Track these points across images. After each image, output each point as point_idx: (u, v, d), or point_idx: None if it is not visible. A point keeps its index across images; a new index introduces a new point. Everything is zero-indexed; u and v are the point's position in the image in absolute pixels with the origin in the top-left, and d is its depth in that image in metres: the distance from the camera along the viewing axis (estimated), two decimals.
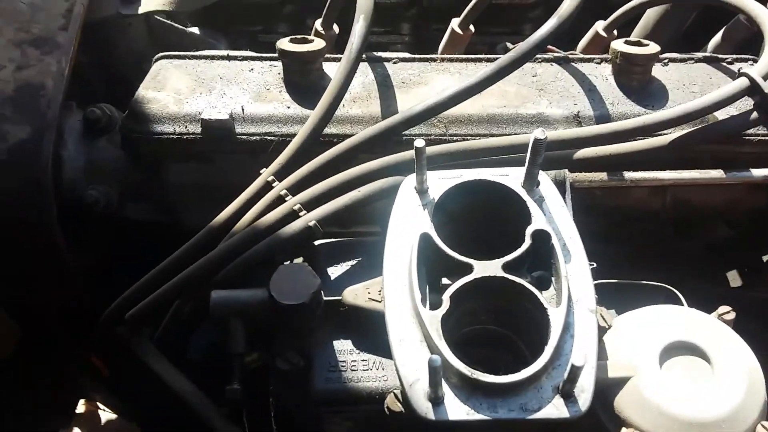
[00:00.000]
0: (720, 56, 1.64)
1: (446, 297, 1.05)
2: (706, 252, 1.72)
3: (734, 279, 1.81)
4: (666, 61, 1.61)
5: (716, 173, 1.45)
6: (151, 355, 1.30)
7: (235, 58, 1.59)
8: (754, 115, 1.38)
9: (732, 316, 1.15)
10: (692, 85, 1.55)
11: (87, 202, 1.50)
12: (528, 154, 1.12)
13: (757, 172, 1.45)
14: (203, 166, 1.48)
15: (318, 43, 1.51)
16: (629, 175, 1.43)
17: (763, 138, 1.46)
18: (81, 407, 2.60)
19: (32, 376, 1.85)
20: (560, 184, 1.32)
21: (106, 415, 2.87)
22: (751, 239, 1.68)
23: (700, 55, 1.64)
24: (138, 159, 1.50)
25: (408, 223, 1.15)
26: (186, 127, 1.44)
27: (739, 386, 1.06)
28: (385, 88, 1.51)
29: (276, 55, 1.52)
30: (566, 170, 1.35)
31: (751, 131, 1.45)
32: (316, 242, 1.31)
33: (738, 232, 1.67)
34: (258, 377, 1.28)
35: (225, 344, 1.17)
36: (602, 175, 1.42)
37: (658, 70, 1.57)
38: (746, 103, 1.43)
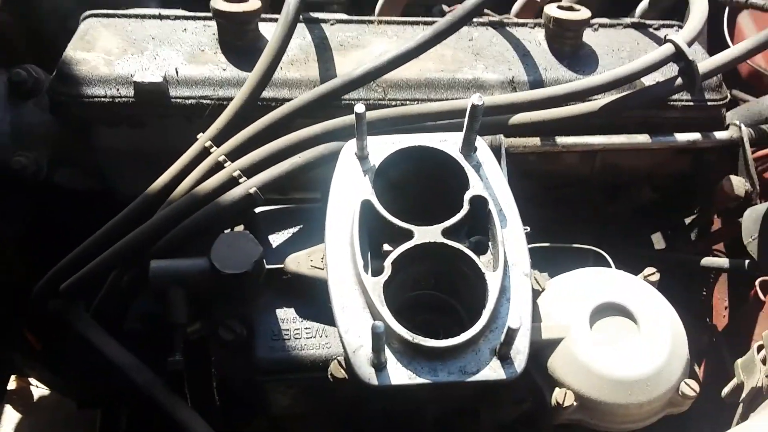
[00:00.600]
0: (647, 22, 1.69)
1: (387, 263, 1.07)
2: (633, 215, 1.79)
3: (658, 241, 1.89)
4: (596, 26, 1.64)
5: (643, 138, 1.51)
6: (88, 327, 1.27)
7: (167, 17, 1.54)
8: (679, 80, 1.43)
9: (657, 277, 1.21)
10: (621, 51, 1.59)
11: (14, 168, 1.44)
12: (465, 120, 1.14)
13: (681, 137, 1.51)
14: (136, 131, 1.44)
15: (253, 3, 1.48)
16: (561, 140, 1.47)
17: (687, 104, 1.52)
18: (12, 383, 2.53)
19: None
20: (496, 150, 1.35)
21: (38, 391, 2.82)
22: (674, 202, 1.76)
23: (628, 20, 1.69)
24: (67, 123, 1.45)
25: (349, 190, 1.16)
26: (117, 90, 1.40)
27: (664, 346, 1.12)
28: (323, 50, 1.49)
29: (210, 14, 1.48)
30: (502, 135, 1.38)
31: (676, 97, 1.51)
32: (257, 209, 1.30)
33: (662, 195, 1.74)
34: (199, 348, 1.28)
35: (165, 315, 1.16)
36: (536, 141, 1.46)
37: (588, 35, 1.60)
38: (671, 69, 1.48)
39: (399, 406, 1.19)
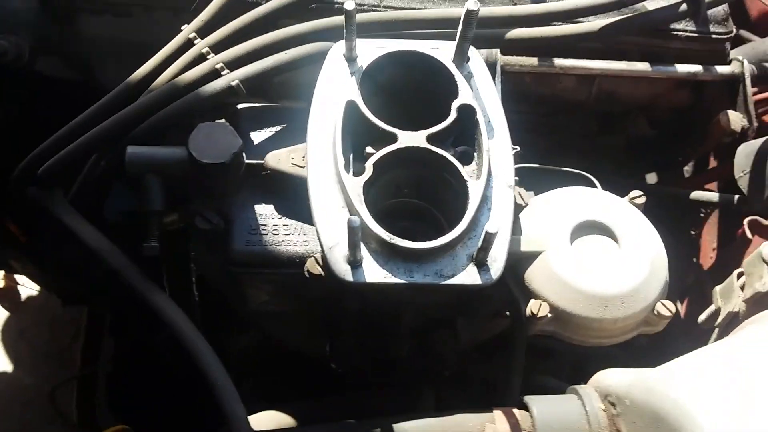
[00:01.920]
0: None
1: (369, 164, 1.05)
2: (627, 150, 1.76)
3: (651, 180, 1.87)
4: None
5: (643, 66, 1.48)
6: (64, 211, 1.25)
7: None
8: (683, 7, 1.39)
9: (642, 200, 1.19)
10: None
11: None
12: (460, 26, 1.10)
13: (682, 68, 1.48)
14: (121, 20, 1.40)
15: None
16: (559, 61, 1.44)
17: (690, 34, 1.48)
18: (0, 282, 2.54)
19: None
20: (491, 66, 1.31)
21: (26, 290, 2.82)
22: (670, 137, 1.73)
23: None
24: (52, 9, 1.40)
25: (334, 90, 1.12)
26: None
27: (643, 265, 1.11)
28: None
29: None
30: (498, 51, 1.34)
31: (679, 27, 1.47)
32: (239, 106, 1.26)
33: (658, 129, 1.71)
34: (178, 240, 1.27)
35: (140, 202, 1.14)
36: (533, 60, 1.42)
37: None
38: None
39: (374, 309, 1.18)
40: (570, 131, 1.69)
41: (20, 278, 2.83)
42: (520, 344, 1.22)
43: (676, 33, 1.47)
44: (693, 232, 1.88)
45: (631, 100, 1.59)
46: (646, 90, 1.57)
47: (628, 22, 1.38)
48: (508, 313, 1.24)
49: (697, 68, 1.48)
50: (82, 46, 1.43)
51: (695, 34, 1.48)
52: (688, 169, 1.90)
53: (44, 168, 1.28)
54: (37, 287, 2.87)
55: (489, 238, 0.97)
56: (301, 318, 1.38)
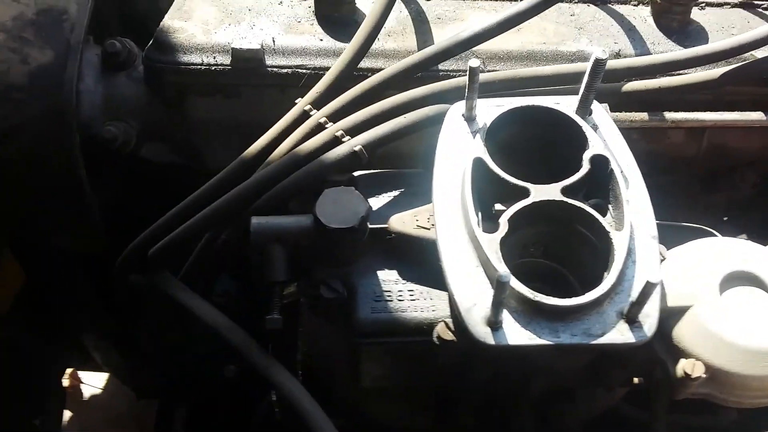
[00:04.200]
0: (756, 2, 1.61)
1: (503, 220, 1.01)
2: (728, 210, 1.70)
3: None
4: (703, 5, 1.57)
5: (756, 115, 1.43)
6: (180, 290, 1.24)
7: None
8: None
9: None
10: (731, 28, 1.52)
11: (105, 137, 1.43)
12: (586, 77, 1.08)
13: None
14: (230, 101, 1.42)
15: None
16: (670, 115, 1.40)
17: None
18: (64, 382, 2.54)
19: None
20: None
21: (89, 389, 2.82)
22: None
23: (736, 0, 1.61)
24: (161, 92, 1.44)
25: (457, 149, 1.10)
26: (214, 58, 1.38)
27: None
28: (420, 23, 1.46)
29: None
30: (606, 106, 1.32)
31: None
32: (355, 173, 1.25)
33: (763, 189, 1.65)
34: (289, 316, 1.24)
35: (264, 273, 1.11)
36: (643, 115, 1.39)
37: (695, 14, 1.54)
38: None
39: (504, 379, 1.12)
40: (671, 192, 1.63)
41: (84, 377, 2.84)
42: (663, 410, 1.14)
43: None
44: None
45: (741, 153, 1.54)
46: (757, 142, 1.52)
47: (743, 69, 1.35)
48: (637, 380, 1.16)
49: None
50: (192, 129, 1.45)
51: None
52: None
53: (155, 249, 1.28)
54: (101, 386, 2.87)
55: (647, 290, 0.91)
56: (415, 395, 1.31)
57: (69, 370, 2.49)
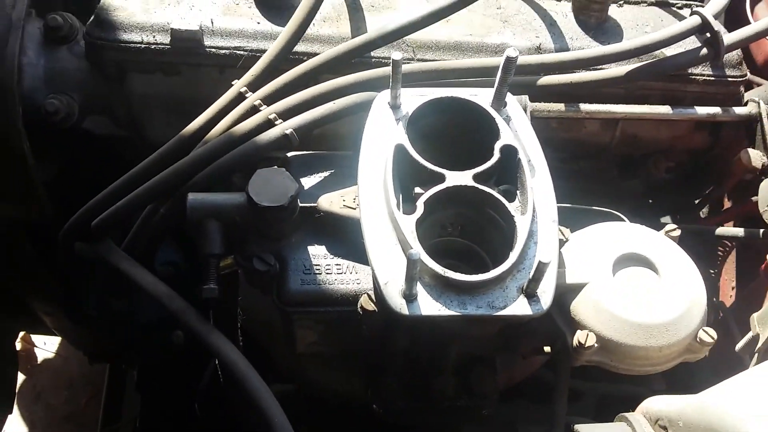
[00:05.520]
0: (670, 1, 1.72)
1: (420, 203, 1.10)
2: (645, 194, 1.82)
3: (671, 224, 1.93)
4: (621, 2, 1.68)
5: (664, 109, 1.55)
6: (123, 259, 1.30)
7: None
8: (704, 51, 1.47)
9: (678, 233, 1.25)
10: (645, 26, 1.62)
11: (47, 110, 1.47)
12: (499, 72, 1.17)
13: (702, 110, 1.56)
14: (169, 79, 1.47)
15: None
16: (585, 107, 1.51)
17: (708, 78, 1.56)
18: (17, 345, 2.57)
19: None
20: None
21: (43, 353, 2.84)
22: (688, 180, 1.80)
23: None
24: (102, 68, 1.48)
25: (382, 136, 1.19)
26: (154, 37, 1.43)
27: (684, 295, 1.16)
28: (355, 10, 1.52)
29: None
30: (527, 97, 1.42)
31: (697, 71, 1.55)
32: (289, 154, 1.33)
33: (677, 173, 1.78)
34: (227, 286, 1.31)
35: (200, 246, 1.19)
36: (560, 106, 1.50)
37: (613, 11, 1.64)
38: (693, 43, 1.52)
39: (421, 346, 1.22)
40: (590, 176, 1.75)
41: (37, 340, 2.86)
42: (565, 375, 1.26)
43: (694, 77, 1.55)
44: (712, 272, 1.93)
45: (652, 142, 1.66)
46: (666, 132, 1.64)
47: (654, 65, 1.47)
48: (548, 349, 1.28)
49: (715, 110, 1.55)
50: (132, 104, 1.50)
51: (712, 78, 1.56)
52: (704, 212, 1.96)
53: (99, 220, 1.33)
54: (54, 350, 2.90)
55: (541, 268, 1.02)
56: (346, 360, 1.41)
57: (21, 334, 2.51)
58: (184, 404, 1.86)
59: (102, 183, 1.36)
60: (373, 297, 1.13)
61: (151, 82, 1.47)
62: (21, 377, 2.69)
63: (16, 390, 2.27)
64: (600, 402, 1.71)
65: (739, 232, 1.59)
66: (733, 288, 1.92)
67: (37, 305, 1.88)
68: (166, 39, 1.43)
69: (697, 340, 1.14)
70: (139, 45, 1.43)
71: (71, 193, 1.50)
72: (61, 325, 1.99)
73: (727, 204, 1.89)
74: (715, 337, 1.13)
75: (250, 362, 1.40)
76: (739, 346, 1.22)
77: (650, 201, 1.87)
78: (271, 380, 1.58)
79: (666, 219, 1.97)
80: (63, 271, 1.59)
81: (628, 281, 1.17)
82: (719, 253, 1.94)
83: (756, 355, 1.17)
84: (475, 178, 1.14)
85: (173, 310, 1.21)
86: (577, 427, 1.09)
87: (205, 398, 1.79)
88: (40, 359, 2.89)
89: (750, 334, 1.20)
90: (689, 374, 1.40)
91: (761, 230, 1.52)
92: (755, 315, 1.20)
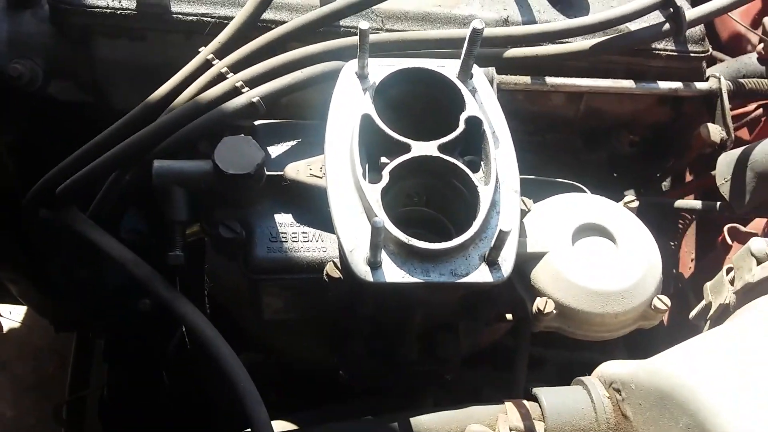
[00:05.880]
0: None
1: (386, 172, 1.12)
2: (609, 167, 1.86)
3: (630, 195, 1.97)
4: None
5: (627, 83, 1.58)
6: (88, 226, 1.30)
7: None
8: (667, 26, 1.49)
9: (636, 204, 1.28)
10: (611, 1, 1.65)
11: (10, 74, 1.45)
12: (465, 44, 1.18)
13: (664, 85, 1.59)
14: (135, 44, 1.46)
15: None
16: (551, 80, 1.53)
17: (671, 53, 1.59)
18: None
19: None
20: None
21: (8, 322, 2.82)
22: (650, 154, 1.84)
23: None
24: (66, 33, 1.46)
25: (349, 105, 1.20)
26: (120, 1, 1.42)
27: (640, 263, 1.20)
28: None
29: None
30: (494, 70, 1.43)
31: (660, 46, 1.58)
32: (256, 123, 1.33)
33: (639, 147, 1.81)
34: (194, 254, 1.32)
35: (166, 213, 1.19)
36: (526, 79, 1.52)
37: None
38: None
39: (386, 312, 1.25)
40: (555, 148, 1.78)
41: (3, 310, 2.84)
42: (525, 341, 1.29)
43: (657, 52, 1.58)
44: (672, 244, 1.98)
45: (615, 116, 1.69)
46: (629, 106, 1.67)
47: (617, 39, 1.49)
48: (510, 316, 1.31)
49: (677, 85, 1.59)
50: (97, 70, 1.48)
51: (675, 53, 1.59)
52: (666, 184, 2.01)
53: (63, 187, 1.33)
54: (19, 319, 2.88)
55: (502, 237, 1.04)
56: (312, 327, 1.43)
57: None
58: (151, 372, 1.87)
59: (67, 149, 1.35)
60: (338, 264, 1.15)
61: (116, 47, 1.46)
62: None
63: None
64: (562, 369, 1.76)
65: (697, 204, 1.63)
66: (692, 260, 1.97)
67: (1, 273, 1.86)
68: (132, 4, 1.42)
69: (652, 307, 1.18)
70: (104, 9, 1.41)
71: (36, 159, 1.48)
72: (26, 293, 1.98)
73: (689, 178, 1.93)
74: (669, 304, 1.17)
75: (218, 330, 1.43)
76: (692, 314, 1.27)
77: (614, 174, 1.90)
78: (240, 348, 1.62)
79: (630, 192, 2.02)
80: (27, 238, 1.59)
81: (586, 250, 1.20)
82: (680, 225, 1.99)
83: (708, 322, 1.21)
84: (440, 148, 1.15)
85: (139, 277, 1.22)
86: (535, 390, 1.13)
87: (172, 366, 1.81)
88: (5, 329, 2.87)
89: (703, 302, 1.24)
90: (650, 343, 1.45)
91: (718, 203, 1.57)
92: (708, 284, 1.24)
